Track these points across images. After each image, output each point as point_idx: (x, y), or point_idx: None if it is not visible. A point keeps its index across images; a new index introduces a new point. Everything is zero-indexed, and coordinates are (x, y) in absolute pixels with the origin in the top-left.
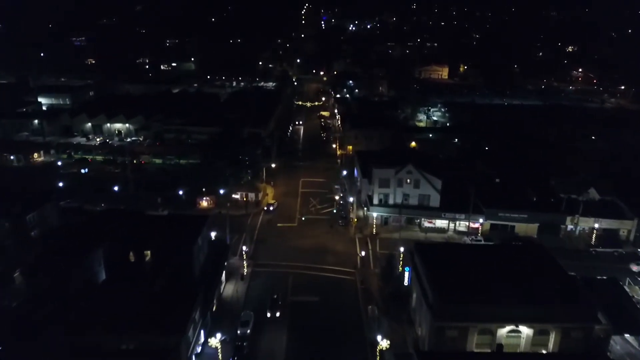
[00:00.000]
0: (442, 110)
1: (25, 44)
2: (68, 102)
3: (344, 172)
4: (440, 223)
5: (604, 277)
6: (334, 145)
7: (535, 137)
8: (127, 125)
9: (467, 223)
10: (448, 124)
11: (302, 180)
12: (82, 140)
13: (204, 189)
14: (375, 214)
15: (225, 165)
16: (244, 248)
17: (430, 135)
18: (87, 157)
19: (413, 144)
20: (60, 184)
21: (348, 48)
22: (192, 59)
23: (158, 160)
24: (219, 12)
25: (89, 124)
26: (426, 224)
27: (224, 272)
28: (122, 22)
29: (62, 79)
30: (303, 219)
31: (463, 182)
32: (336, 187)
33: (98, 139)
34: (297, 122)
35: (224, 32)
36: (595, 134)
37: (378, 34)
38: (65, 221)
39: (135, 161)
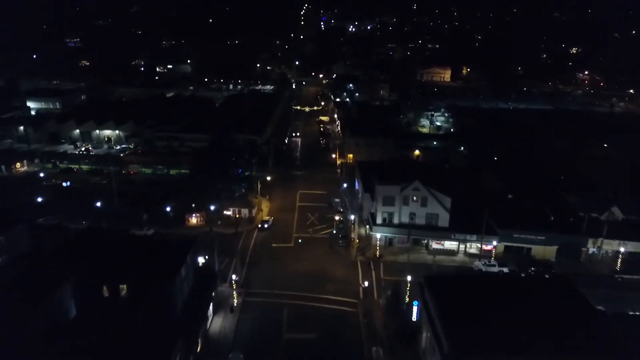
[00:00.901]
0: (446, 115)
1: (17, 45)
2: (58, 107)
3: (344, 185)
4: (450, 244)
5: (637, 314)
6: (333, 156)
7: (545, 144)
8: (117, 132)
9: (479, 245)
10: (452, 130)
11: (299, 193)
12: (70, 148)
13: (193, 205)
14: (378, 235)
15: (216, 179)
16: (234, 277)
17: (435, 143)
18: (73, 166)
19: (417, 152)
20: (40, 199)
21: (348, 49)
22: (189, 61)
23: (148, 170)
24: (216, 13)
25: (77, 131)
26: (434, 245)
27: (211, 304)
28: (118, 22)
29: (55, 82)
30: (299, 240)
31: (473, 198)
32: (336, 200)
33: (84, 147)
34: (294, 134)
35: (222, 33)
36: (608, 141)
37: (378, 35)
38: (38, 244)
39: (123, 171)
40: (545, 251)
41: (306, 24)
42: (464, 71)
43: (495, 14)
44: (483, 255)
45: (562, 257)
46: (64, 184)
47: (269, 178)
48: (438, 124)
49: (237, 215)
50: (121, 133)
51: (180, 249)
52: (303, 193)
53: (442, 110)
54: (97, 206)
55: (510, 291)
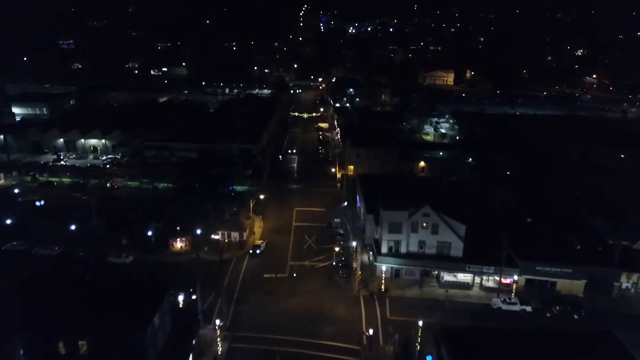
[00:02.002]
0: (451, 121)
1: (7, 47)
2: (45, 112)
3: (345, 203)
4: (464, 277)
5: None
6: (332, 170)
7: (559, 155)
8: (103, 141)
9: (496, 277)
10: (457, 137)
11: (296, 210)
12: (54, 158)
13: (178, 228)
14: (384, 267)
15: (204, 198)
16: (218, 322)
17: (441, 154)
18: (53, 180)
19: (422, 163)
20: (10, 220)
21: (348, 52)
22: (184, 64)
23: (134, 184)
24: (214, 14)
25: (61, 140)
26: (446, 277)
27: (191, 355)
28: (114, 24)
29: (45, 86)
30: (295, 271)
31: (487, 220)
32: (336, 220)
33: (57, 157)
34: (292, 147)
35: (219, 35)
36: (624, 151)
37: (379, 36)
38: None
39: (108, 184)
40: (572, 286)
41: (305, 25)
42: (468, 74)
43: (497, 15)
44: (502, 289)
45: (591, 293)
46: (37, 203)
47: (262, 196)
48: (443, 131)
49: (226, 240)
50: (108, 142)
51: (155, 292)
52: (300, 211)
53: (447, 116)
54: (74, 228)
55: (542, 350)
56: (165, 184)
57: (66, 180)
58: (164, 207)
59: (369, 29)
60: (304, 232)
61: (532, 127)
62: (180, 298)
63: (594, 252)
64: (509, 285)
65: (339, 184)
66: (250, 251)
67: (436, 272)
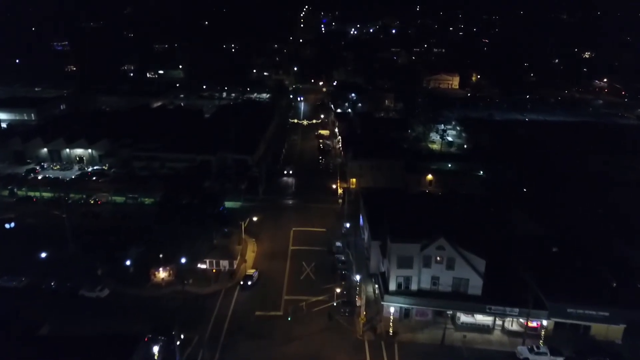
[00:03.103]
0: (458, 128)
1: None
2: (33, 118)
3: (347, 225)
4: (483, 318)
5: None
6: (333, 186)
7: (576, 167)
8: (89, 150)
9: (521, 320)
10: (465, 146)
11: (293, 231)
12: (28, 169)
13: (161, 255)
14: (392, 309)
15: (190, 220)
16: None
17: (450, 166)
18: (33, 194)
19: (429, 177)
20: None
21: (349, 54)
22: (180, 67)
23: (119, 199)
24: (213, 15)
25: (45, 150)
26: (463, 318)
27: None
28: (110, 25)
29: (36, 89)
30: (291, 308)
31: (506, 249)
32: (337, 244)
33: (31, 167)
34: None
35: (218, 36)
36: None
37: (381, 38)
38: None
39: (92, 200)
40: (608, 331)
41: (306, 27)
42: (473, 78)
43: (501, 16)
44: (528, 334)
45: (631, 340)
46: (7, 226)
47: (255, 218)
48: (449, 139)
49: (214, 270)
50: (94, 152)
51: (122, 348)
52: (298, 231)
53: (453, 123)
54: (47, 254)
55: None
56: (153, 199)
57: (46, 195)
58: (148, 228)
59: (371, 30)
60: (301, 258)
61: (544, 135)
62: (156, 349)
63: (633, 290)
64: (535, 329)
65: (340, 200)
66: (241, 282)
67: (451, 313)
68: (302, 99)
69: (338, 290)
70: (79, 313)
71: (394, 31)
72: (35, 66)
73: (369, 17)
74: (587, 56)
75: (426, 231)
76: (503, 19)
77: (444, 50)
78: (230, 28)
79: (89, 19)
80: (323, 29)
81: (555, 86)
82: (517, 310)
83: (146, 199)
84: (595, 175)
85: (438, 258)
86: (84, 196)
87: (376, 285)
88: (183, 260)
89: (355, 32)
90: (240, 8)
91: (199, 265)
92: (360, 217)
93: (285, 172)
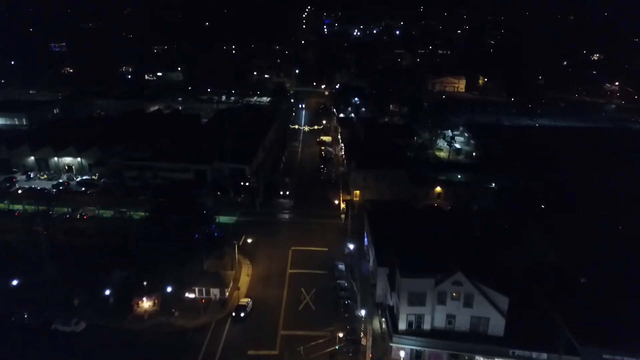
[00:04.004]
0: (465, 135)
1: None
2: (25, 123)
3: (351, 247)
4: None
5: None
6: (336, 201)
7: (595, 179)
8: (78, 159)
9: None
10: (474, 154)
11: (292, 251)
12: (23, 179)
13: (145, 283)
14: (402, 352)
15: (177, 242)
16: None
17: (459, 177)
18: (16, 207)
19: (438, 189)
20: None
21: (352, 56)
22: (179, 69)
23: (107, 213)
24: (213, 15)
25: (32, 158)
26: None
27: None
28: (109, 25)
29: (31, 92)
30: (288, 345)
31: (526, 279)
32: (340, 267)
33: (14, 180)
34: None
35: (218, 37)
36: None
37: (384, 39)
38: None
39: (78, 215)
40: None
41: (308, 27)
42: (480, 81)
43: (506, 17)
44: None
45: None
46: None
47: (249, 240)
48: (457, 146)
49: (203, 301)
50: (84, 161)
51: None
52: (297, 250)
53: (461, 128)
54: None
55: None
56: (142, 214)
57: (29, 208)
58: (134, 249)
59: (374, 31)
60: (300, 283)
61: (558, 143)
62: None
63: None
64: None
65: (343, 215)
66: (233, 314)
67: (469, 356)
68: (303, 106)
69: (341, 334)
70: (52, 350)
71: (397, 32)
72: (31, 68)
73: (372, 18)
74: (596, 58)
75: (439, 261)
76: (508, 20)
77: (448, 52)
78: (230, 29)
79: (87, 20)
80: (325, 30)
81: (564, 89)
82: (545, 355)
83: (135, 213)
84: (619, 190)
85: (454, 294)
86: (70, 210)
87: (383, 319)
88: (169, 289)
89: (359, 33)
90: (241, 9)
91: (186, 295)
92: (365, 235)
93: (284, 183)
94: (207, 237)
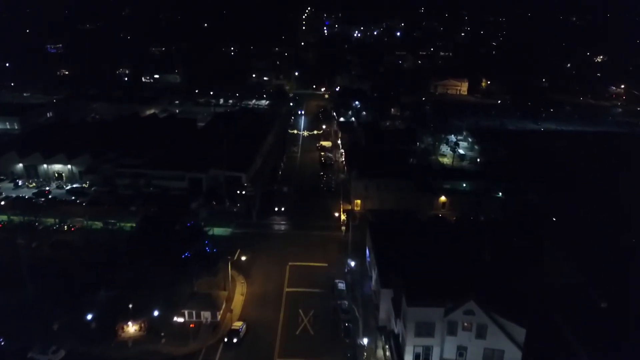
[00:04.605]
0: (469, 140)
1: None
2: (17, 127)
3: (352, 263)
4: None
5: None
6: (336, 214)
7: (608, 189)
8: (69, 166)
9: None
10: (479, 159)
11: (289, 266)
12: (10, 187)
13: (130, 305)
14: None
15: (166, 261)
16: None
17: (465, 185)
18: (0, 218)
19: (442, 198)
20: None
21: (353, 58)
22: (177, 71)
23: (96, 225)
24: (212, 16)
25: (21, 165)
26: None
27: None
28: (108, 26)
29: (25, 94)
30: None
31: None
32: (340, 286)
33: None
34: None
35: (217, 38)
36: None
37: (386, 41)
38: None
39: (65, 227)
40: None
41: (308, 28)
42: (483, 83)
43: (507, 18)
44: None
45: None
46: None
47: (244, 258)
48: (461, 151)
49: (192, 325)
50: (74, 168)
51: None
52: (295, 266)
53: (465, 133)
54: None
55: None
56: (133, 225)
57: (15, 219)
58: (122, 263)
59: (375, 32)
60: (298, 303)
61: (566, 148)
62: None
63: None
64: None
65: (343, 227)
66: (226, 339)
67: None
68: (302, 112)
69: None
70: None
71: (398, 33)
72: (26, 69)
73: (372, 19)
74: (600, 60)
75: (449, 284)
76: (510, 21)
77: (450, 54)
78: (230, 30)
79: (85, 21)
80: (326, 31)
81: (568, 91)
82: None
83: (126, 224)
84: (633, 199)
85: (466, 324)
86: (57, 221)
87: (387, 345)
88: (156, 312)
89: (359, 35)
90: (241, 9)
91: (175, 318)
92: (367, 250)
93: (282, 192)
94: (198, 254)
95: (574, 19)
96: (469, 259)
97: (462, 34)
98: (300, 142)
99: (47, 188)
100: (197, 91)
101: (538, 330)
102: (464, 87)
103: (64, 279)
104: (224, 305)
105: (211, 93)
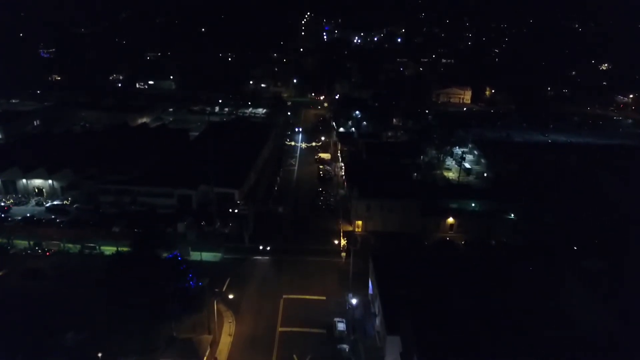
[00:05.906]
0: (475, 152)
1: None
2: (1, 137)
3: (354, 301)
4: None
5: None
6: (335, 241)
7: (627, 210)
8: (49, 182)
9: None
10: (485, 174)
11: (283, 299)
12: None
13: (100, 355)
14: None
15: (143, 303)
16: None
17: (473, 205)
18: None
19: (450, 220)
20: None
21: (353, 65)
22: (172, 77)
23: (74, 248)
24: (209, 21)
25: None
26: None
27: None
28: (102, 31)
29: (12, 101)
30: None
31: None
32: (339, 326)
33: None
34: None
35: (214, 44)
36: None
37: (386, 47)
38: None
39: (39, 250)
40: None
41: (307, 34)
42: (487, 92)
43: (510, 25)
44: None
45: None
46: None
47: (231, 296)
48: (467, 165)
49: None
50: (55, 184)
51: None
52: (289, 300)
53: (470, 146)
54: None
55: None
56: (114, 249)
57: None
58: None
59: (375, 38)
60: (292, 347)
61: (575, 163)
62: None
63: None
64: None
65: (343, 253)
66: None
67: None
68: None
69: None
70: None
71: (399, 40)
72: (17, 75)
73: (373, 25)
74: (605, 68)
75: (466, 334)
76: (512, 28)
77: (453, 61)
78: (227, 35)
79: (80, 25)
80: (325, 37)
81: (574, 101)
82: None
83: (106, 248)
84: None
85: None
86: (31, 244)
87: None
88: None
89: (359, 41)
90: (238, 14)
91: None
92: (370, 283)
93: (277, 212)
94: (180, 292)
95: (576, 25)
96: (483, 292)
97: (465, 41)
98: (297, 155)
99: (7, 204)
100: (191, 99)
101: None
102: (467, 96)
103: (31, 316)
104: (207, 352)
105: (206, 101)
